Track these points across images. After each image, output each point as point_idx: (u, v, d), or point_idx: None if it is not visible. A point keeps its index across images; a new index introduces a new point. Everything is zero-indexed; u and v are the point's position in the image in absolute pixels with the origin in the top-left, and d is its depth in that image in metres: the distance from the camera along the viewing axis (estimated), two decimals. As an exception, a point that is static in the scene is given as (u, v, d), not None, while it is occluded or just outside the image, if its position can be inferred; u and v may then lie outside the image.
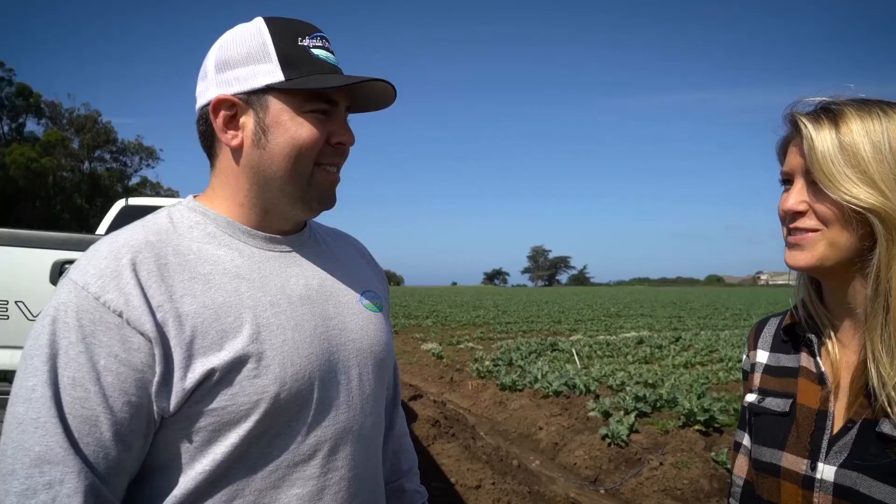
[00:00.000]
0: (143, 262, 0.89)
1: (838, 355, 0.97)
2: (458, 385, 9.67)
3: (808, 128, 0.92)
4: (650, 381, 8.77)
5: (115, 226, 5.12)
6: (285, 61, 0.94)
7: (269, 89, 0.94)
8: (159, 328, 0.85)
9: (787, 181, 0.98)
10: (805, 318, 1.02)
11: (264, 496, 0.92)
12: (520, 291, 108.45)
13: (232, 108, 0.96)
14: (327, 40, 1.00)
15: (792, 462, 0.96)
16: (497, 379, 9.28)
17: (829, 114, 0.92)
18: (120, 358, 0.84)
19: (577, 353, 11.91)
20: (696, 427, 6.33)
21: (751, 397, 1.07)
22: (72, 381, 0.83)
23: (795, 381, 1.01)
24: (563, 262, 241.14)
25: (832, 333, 0.98)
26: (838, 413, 0.94)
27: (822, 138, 0.90)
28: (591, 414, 7.00)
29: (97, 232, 5.19)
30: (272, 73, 0.94)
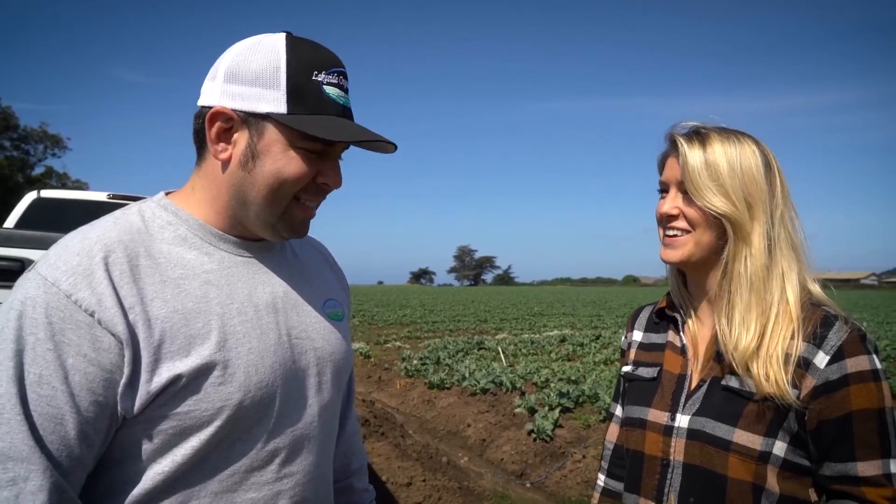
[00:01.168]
0: (116, 262, 0.88)
1: (696, 331, 1.21)
2: (387, 384, 9.67)
3: (684, 146, 1.13)
4: (573, 378, 9.08)
5: (26, 219, 4.80)
6: (293, 93, 0.93)
7: (268, 116, 0.93)
8: (130, 330, 0.85)
9: (664, 190, 1.19)
10: (673, 303, 1.27)
11: (219, 499, 0.93)
12: (446, 291, 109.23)
13: (229, 121, 0.95)
14: (344, 77, 0.98)
15: (656, 416, 1.18)
16: (425, 377, 9.35)
17: (699, 136, 1.14)
18: (89, 357, 0.83)
19: (503, 352, 12.15)
20: (616, 421, 6.63)
21: (626, 368, 1.31)
22: (38, 378, 0.82)
23: (663, 354, 1.24)
24: (488, 262, 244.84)
25: (692, 313, 1.23)
26: (694, 376, 1.17)
27: (693, 155, 1.11)
28: (518, 410, 7.18)
29: (6, 225, 4.85)
30: (277, 102, 0.92)
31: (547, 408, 7.00)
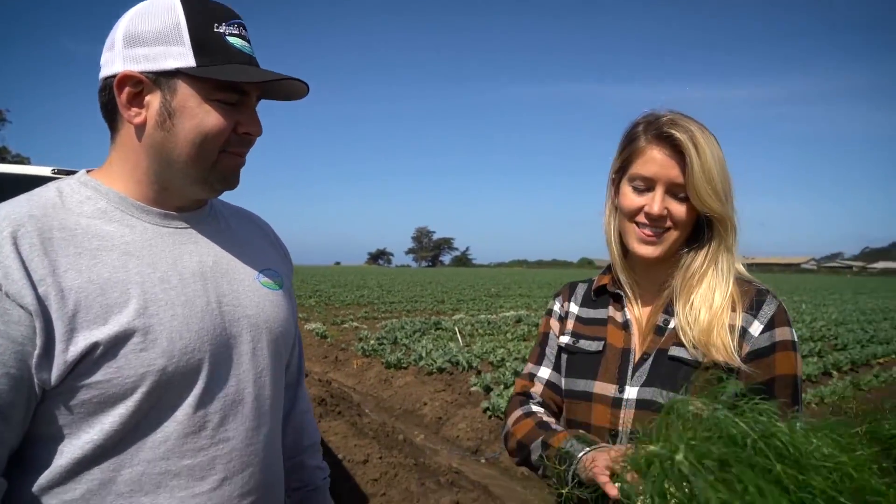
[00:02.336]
0: (25, 236, 0.87)
1: (637, 309, 1.27)
2: (343, 364, 9.67)
3: (691, 150, 1.12)
4: (528, 357, 9.25)
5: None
6: (198, 46, 0.93)
7: (178, 73, 0.93)
8: (40, 301, 0.85)
9: (647, 188, 1.18)
10: (615, 281, 1.31)
11: (154, 467, 0.93)
12: (404, 272, 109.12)
13: (138, 85, 0.94)
14: (244, 27, 0.99)
15: (602, 388, 1.22)
16: (382, 357, 9.39)
17: (691, 136, 1.13)
18: None
19: (460, 332, 12.28)
20: (569, 398, 6.81)
21: (565, 339, 1.33)
22: None
23: (605, 329, 1.28)
24: (446, 244, 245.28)
25: (636, 293, 1.28)
26: (637, 349, 1.22)
27: (697, 164, 1.12)
28: (474, 389, 7.30)
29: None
30: (183, 57, 0.93)
31: (503, 386, 7.14)
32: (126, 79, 0.93)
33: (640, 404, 1.17)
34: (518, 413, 1.31)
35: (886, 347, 11.38)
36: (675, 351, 1.18)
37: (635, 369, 1.21)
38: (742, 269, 1.23)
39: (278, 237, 1.27)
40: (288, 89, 1.02)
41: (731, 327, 1.15)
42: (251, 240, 1.17)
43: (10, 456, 0.88)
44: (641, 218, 1.19)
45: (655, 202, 1.16)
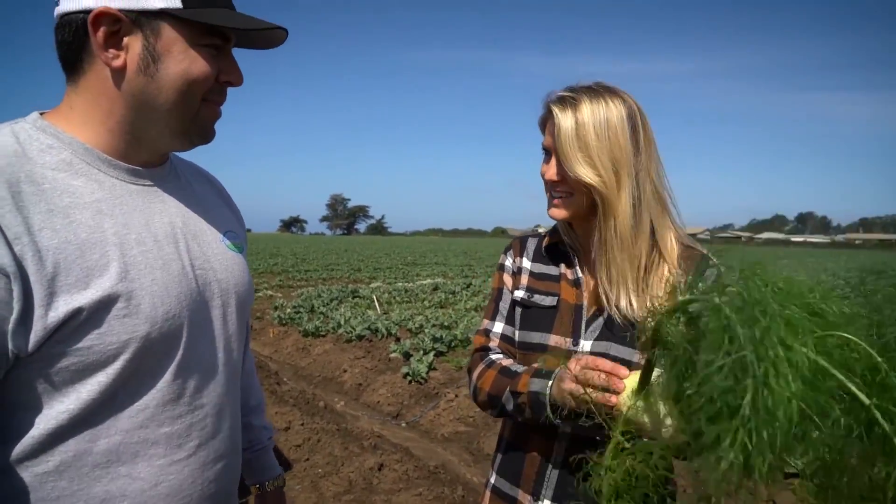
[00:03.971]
0: None
1: (586, 266, 1.32)
2: (259, 333, 9.47)
3: (558, 116, 1.19)
4: (446, 324, 9.43)
5: None
6: None
7: (163, 14, 0.87)
8: (17, 262, 0.79)
9: (547, 153, 1.27)
10: (561, 240, 1.36)
11: (132, 436, 0.90)
12: (318, 240, 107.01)
13: (116, 23, 0.87)
14: None
15: (557, 341, 1.27)
16: (300, 326, 9.27)
17: (570, 103, 1.18)
18: None
19: (378, 300, 12.31)
20: (486, 362, 7.04)
21: (520, 293, 1.36)
22: None
23: (558, 285, 1.33)
24: (361, 212, 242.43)
25: (582, 253, 1.34)
26: (588, 305, 1.28)
27: (564, 127, 1.18)
28: (393, 355, 7.38)
29: None
30: None
31: (421, 352, 7.25)
32: (103, 16, 0.85)
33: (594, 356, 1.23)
34: (480, 367, 1.34)
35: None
36: (626, 310, 1.22)
37: (588, 324, 1.26)
38: (682, 232, 1.27)
39: (230, 197, 1.24)
40: (266, 38, 0.98)
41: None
42: (211, 200, 1.14)
43: None
44: (547, 184, 1.28)
45: (549, 168, 1.25)
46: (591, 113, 1.17)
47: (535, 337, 1.31)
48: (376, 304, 11.69)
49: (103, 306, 0.85)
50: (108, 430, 0.89)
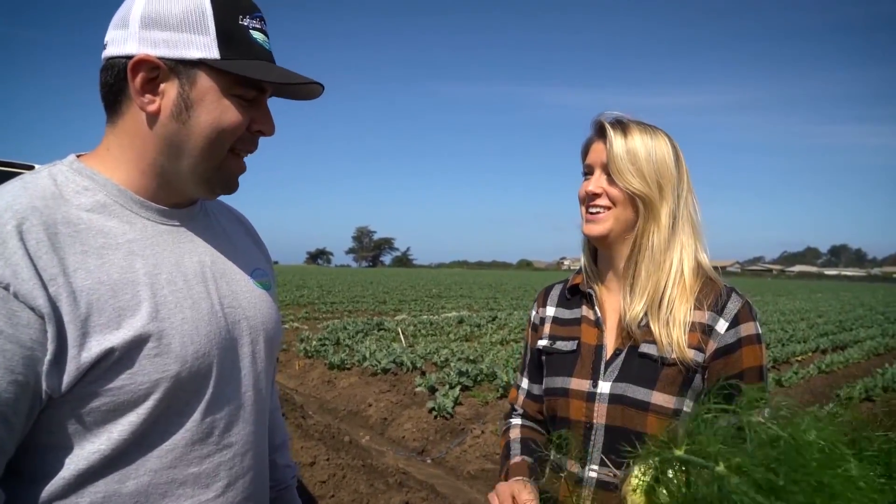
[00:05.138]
0: (32, 230, 0.81)
1: (608, 304, 1.36)
2: (285, 365, 9.49)
3: (611, 132, 1.28)
4: (471, 357, 9.36)
5: None
6: (223, 38, 0.90)
7: (200, 63, 0.89)
8: (52, 303, 0.79)
9: (588, 172, 1.34)
10: (586, 279, 1.40)
11: (160, 476, 0.90)
12: (344, 272, 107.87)
13: (153, 70, 0.89)
14: (265, 22, 0.97)
15: (578, 384, 1.31)
16: (325, 358, 9.28)
17: (623, 126, 1.30)
18: (6, 334, 0.77)
19: (403, 332, 12.27)
20: (512, 397, 6.94)
21: (543, 342, 1.42)
22: None
23: (579, 328, 1.37)
24: (387, 244, 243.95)
25: (604, 288, 1.37)
26: (609, 345, 1.31)
27: (618, 142, 1.27)
28: (419, 389, 7.32)
29: None
30: (208, 47, 0.89)
31: (447, 386, 7.19)
32: (142, 63, 0.88)
33: (613, 398, 1.25)
34: (503, 428, 1.50)
35: (804, 346, 12.16)
36: (645, 348, 1.25)
37: (607, 365, 1.29)
38: (707, 264, 1.30)
39: (258, 235, 1.25)
40: (304, 90, 0.99)
41: (698, 325, 1.24)
42: (240, 238, 1.15)
43: (7, 465, 0.83)
44: (585, 200, 1.33)
45: (591, 181, 1.31)
46: (640, 137, 1.28)
47: (558, 381, 1.35)
48: (401, 337, 11.65)
49: (135, 346, 0.85)
50: (138, 471, 0.88)
